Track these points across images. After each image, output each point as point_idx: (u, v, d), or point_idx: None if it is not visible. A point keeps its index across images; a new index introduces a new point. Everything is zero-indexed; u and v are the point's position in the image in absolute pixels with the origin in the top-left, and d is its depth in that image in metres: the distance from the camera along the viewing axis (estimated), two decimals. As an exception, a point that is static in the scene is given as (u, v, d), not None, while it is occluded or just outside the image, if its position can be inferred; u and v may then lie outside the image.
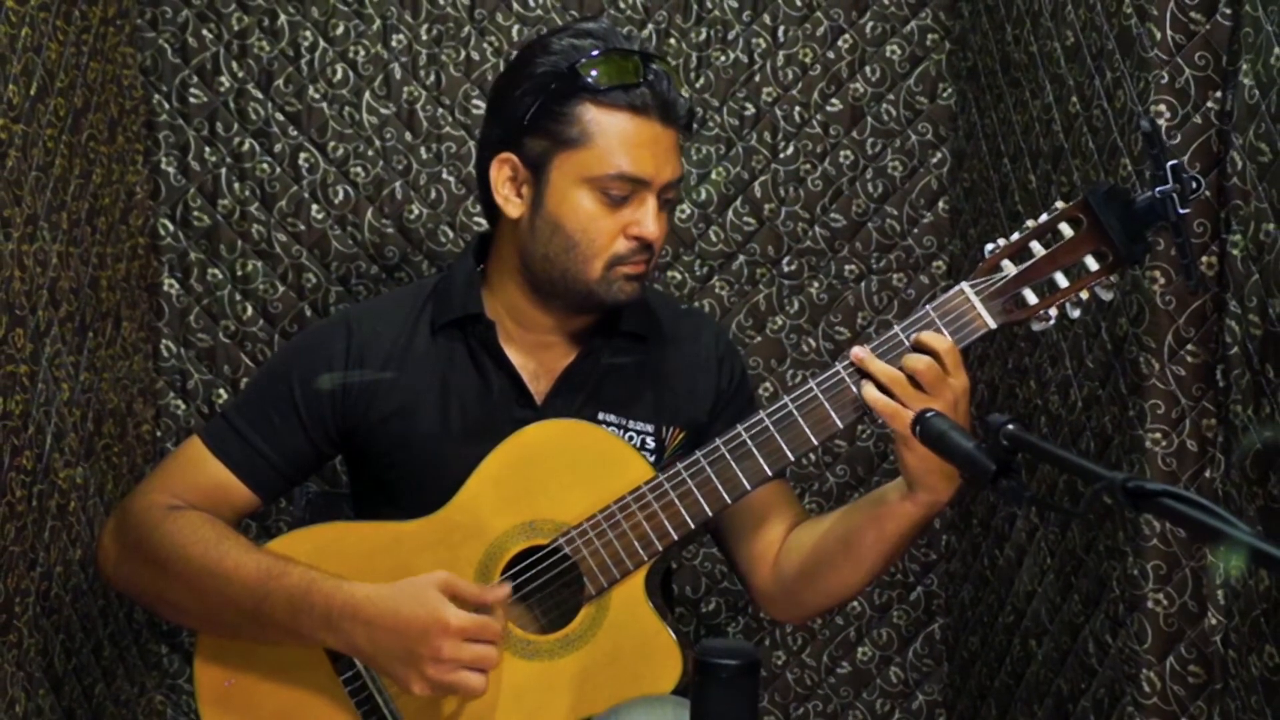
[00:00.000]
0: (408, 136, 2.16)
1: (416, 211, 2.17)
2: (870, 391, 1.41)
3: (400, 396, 1.61)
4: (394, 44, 2.16)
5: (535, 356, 1.63)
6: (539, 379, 1.62)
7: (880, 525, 1.50)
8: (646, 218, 1.54)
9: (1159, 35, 1.53)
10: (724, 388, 1.69)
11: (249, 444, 1.59)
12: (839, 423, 1.46)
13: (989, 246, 1.45)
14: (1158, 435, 1.57)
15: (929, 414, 1.20)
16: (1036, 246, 1.43)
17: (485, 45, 2.16)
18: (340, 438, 1.63)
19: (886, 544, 1.51)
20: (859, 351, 1.43)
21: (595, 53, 1.53)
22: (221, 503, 1.58)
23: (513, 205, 1.58)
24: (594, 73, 1.51)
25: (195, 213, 2.15)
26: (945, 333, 1.43)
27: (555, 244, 1.55)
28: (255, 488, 1.60)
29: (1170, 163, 1.34)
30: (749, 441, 1.48)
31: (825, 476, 2.25)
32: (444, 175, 2.17)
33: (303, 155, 2.15)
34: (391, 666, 1.46)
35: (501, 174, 1.58)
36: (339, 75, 2.15)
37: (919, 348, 1.42)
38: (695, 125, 2.18)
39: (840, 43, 2.22)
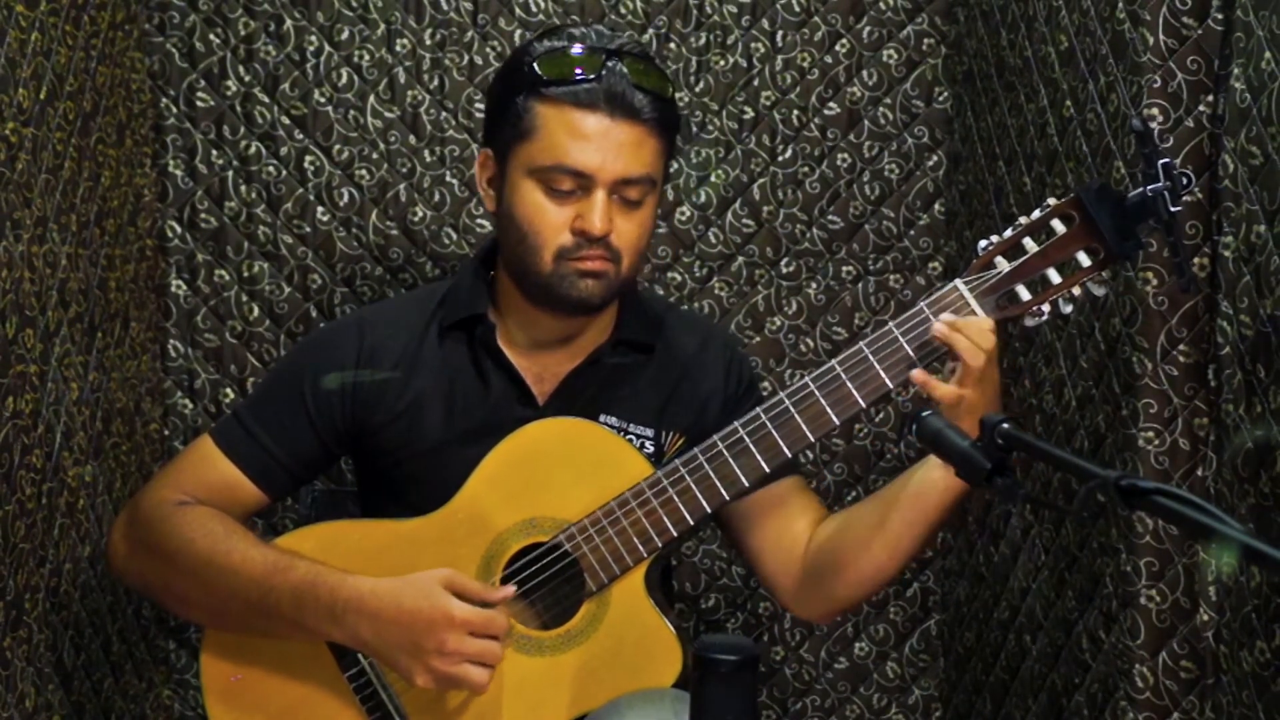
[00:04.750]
0: (411, 140, 2.18)
1: (420, 214, 2.19)
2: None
3: (408, 398, 1.62)
4: (398, 49, 2.17)
5: (539, 359, 1.64)
6: (542, 381, 1.63)
7: (919, 501, 1.50)
8: (591, 212, 1.51)
9: (1151, 40, 1.54)
10: (731, 393, 1.69)
11: (259, 443, 1.61)
12: (835, 419, 1.48)
13: (982, 243, 1.46)
14: (1150, 434, 1.57)
15: (924, 413, 1.21)
16: (1029, 243, 1.44)
17: (488, 50, 2.18)
18: (349, 438, 1.64)
19: (924, 520, 1.50)
20: (919, 375, 1.44)
21: (553, 48, 1.54)
22: (230, 500, 1.60)
23: (488, 199, 1.61)
24: (541, 67, 1.52)
25: (203, 215, 2.17)
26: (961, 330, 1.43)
27: (512, 236, 1.56)
28: (264, 486, 1.61)
29: (1161, 161, 1.35)
30: (746, 438, 1.49)
31: (823, 475, 2.27)
32: (447, 178, 2.19)
33: (308, 158, 2.17)
34: (396, 659, 1.47)
35: (483, 170, 1.61)
36: (344, 79, 2.17)
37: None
38: (693, 128, 2.20)
39: (838, 47, 2.23)
